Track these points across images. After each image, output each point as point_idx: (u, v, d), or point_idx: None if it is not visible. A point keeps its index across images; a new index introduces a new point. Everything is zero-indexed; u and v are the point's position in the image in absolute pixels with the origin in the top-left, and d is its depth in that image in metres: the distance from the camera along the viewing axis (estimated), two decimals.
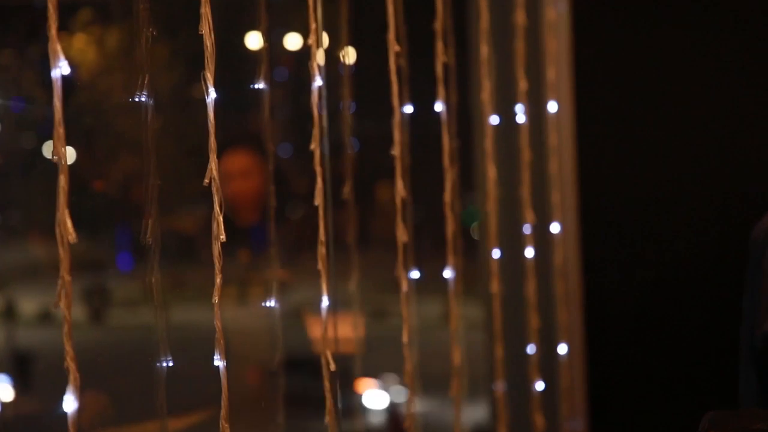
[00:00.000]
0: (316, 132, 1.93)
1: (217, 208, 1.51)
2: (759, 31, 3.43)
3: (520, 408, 3.23)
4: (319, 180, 1.91)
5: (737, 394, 2.44)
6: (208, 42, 1.52)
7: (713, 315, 3.35)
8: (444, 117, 2.46)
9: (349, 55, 2.98)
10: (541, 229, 3.23)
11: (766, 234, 2.29)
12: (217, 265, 1.54)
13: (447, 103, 2.47)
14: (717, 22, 3.44)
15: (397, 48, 2.18)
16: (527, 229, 3.11)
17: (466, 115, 3.17)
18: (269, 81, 2.39)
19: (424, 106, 2.53)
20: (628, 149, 3.48)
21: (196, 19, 1.53)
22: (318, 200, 1.91)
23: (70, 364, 1.25)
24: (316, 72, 1.95)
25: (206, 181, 1.53)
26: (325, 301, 1.95)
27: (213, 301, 1.56)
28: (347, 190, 2.83)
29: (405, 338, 2.26)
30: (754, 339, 2.29)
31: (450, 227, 2.43)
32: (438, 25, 2.42)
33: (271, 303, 2.34)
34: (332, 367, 1.95)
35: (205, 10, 1.53)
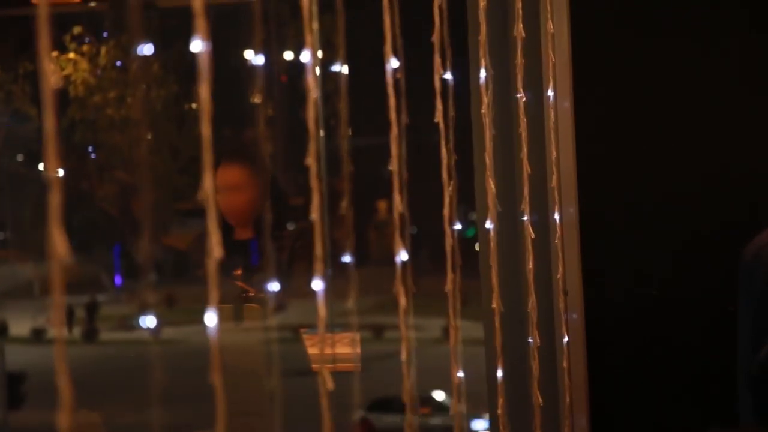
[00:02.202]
0: (312, 146, 1.90)
1: (212, 223, 1.48)
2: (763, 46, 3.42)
3: (521, 425, 3.21)
4: (315, 195, 1.89)
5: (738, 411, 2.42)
6: (203, 56, 1.49)
7: (717, 332, 3.32)
8: (442, 130, 2.45)
9: (346, 68, 2.96)
10: (541, 243, 3.21)
11: (755, 256, 2.28)
12: (212, 282, 1.51)
13: (445, 116, 2.46)
14: (722, 34, 3.42)
15: (393, 60, 2.15)
16: (527, 243, 3.10)
17: (465, 128, 3.15)
18: (264, 95, 2.37)
19: (421, 119, 2.51)
20: (629, 162, 3.46)
21: (191, 32, 1.50)
22: (315, 215, 1.89)
23: (63, 384, 1.23)
24: (312, 85, 1.93)
25: (201, 196, 1.50)
26: (322, 318, 1.92)
27: (206, 318, 1.53)
28: (344, 205, 2.80)
29: (404, 355, 2.23)
30: (750, 366, 2.27)
31: (449, 242, 2.41)
32: (436, 38, 2.40)
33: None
34: (330, 385, 1.92)
35: (200, 23, 1.50)
